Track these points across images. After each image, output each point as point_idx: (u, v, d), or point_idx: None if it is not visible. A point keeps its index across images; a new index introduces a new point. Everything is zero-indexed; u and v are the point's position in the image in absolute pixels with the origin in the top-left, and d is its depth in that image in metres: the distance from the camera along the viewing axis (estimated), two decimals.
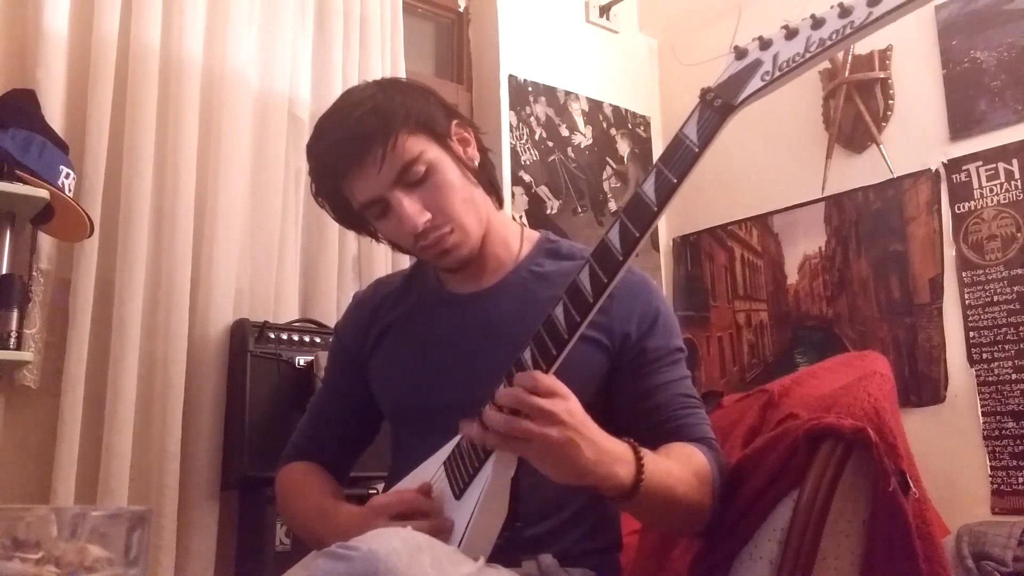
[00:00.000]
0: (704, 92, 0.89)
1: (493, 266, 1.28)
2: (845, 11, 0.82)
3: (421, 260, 1.40)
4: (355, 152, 1.15)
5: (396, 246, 1.34)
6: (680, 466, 1.09)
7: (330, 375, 1.44)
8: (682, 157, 0.89)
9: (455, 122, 1.25)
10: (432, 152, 1.18)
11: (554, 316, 0.97)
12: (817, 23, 0.83)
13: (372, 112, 1.16)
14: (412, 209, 1.16)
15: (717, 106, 0.87)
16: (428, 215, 1.17)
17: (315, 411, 1.43)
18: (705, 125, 0.88)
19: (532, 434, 0.94)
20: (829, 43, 0.83)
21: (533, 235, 1.34)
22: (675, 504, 1.07)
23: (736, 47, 0.89)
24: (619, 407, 1.23)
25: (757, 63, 0.87)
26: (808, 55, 0.84)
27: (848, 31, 0.82)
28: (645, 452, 1.03)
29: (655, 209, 0.90)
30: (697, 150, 0.88)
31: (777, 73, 0.85)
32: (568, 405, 0.96)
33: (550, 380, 0.97)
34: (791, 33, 0.85)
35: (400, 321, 1.33)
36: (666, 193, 0.89)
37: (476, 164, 1.26)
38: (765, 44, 0.87)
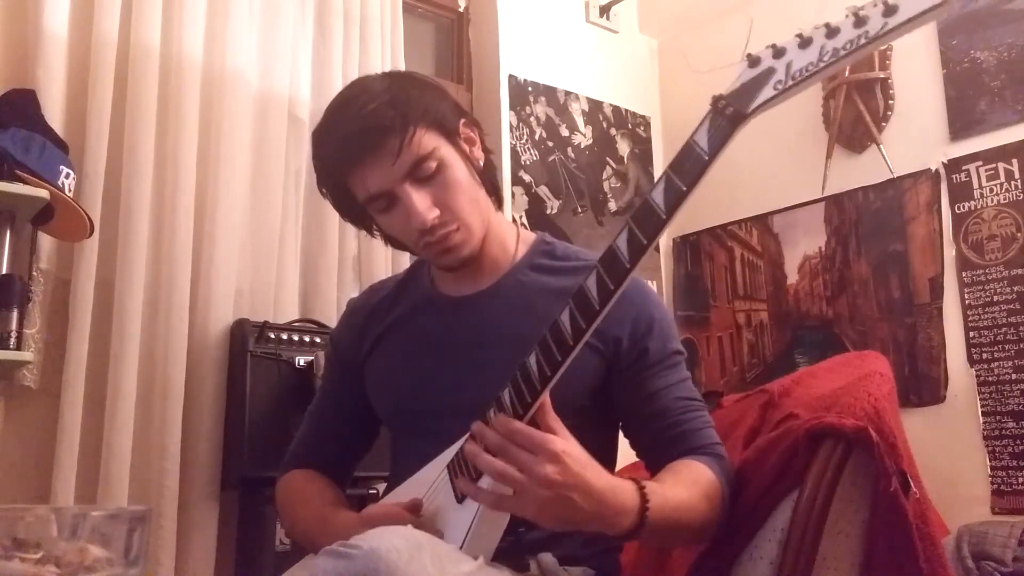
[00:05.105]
0: (716, 100, 0.87)
1: (489, 268, 1.28)
2: (860, 21, 0.80)
3: (418, 262, 1.40)
4: (371, 143, 1.14)
5: (393, 242, 1.33)
6: (689, 493, 1.07)
7: (327, 382, 1.44)
8: (692, 165, 0.87)
9: (463, 121, 1.25)
10: (443, 149, 1.18)
11: (560, 322, 0.96)
12: (831, 32, 0.81)
13: (390, 104, 1.15)
14: (422, 204, 1.16)
15: (729, 114, 0.85)
16: (437, 211, 1.17)
17: (313, 419, 1.42)
18: (716, 133, 0.86)
19: (522, 490, 0.94)
20: (843, 53, 0.81)
21: (529, 237, 1.34)
22: (681, 531, 1.07)
23: (749, 55, 0.86)
24: (621, 413, 1.23)
25: (770, 71, 0.84)
26: (822, 64, 0.82)
27: (863, 41, 0.80)
28: (651, 490, 1.01)
29: (663, 217, 0.88)
30: (707, 158, 0.86)
31: (790, 82, 0.83)
32: (556, 465, 0.93)
33: (532, 435, 0.95)
34: (805, 42, 0.83)
35: (395, 325, 1.33)
36: (675, 201, 0.88)
37: (481, 164, 1.26)
38: (779, 52, 0.85)
